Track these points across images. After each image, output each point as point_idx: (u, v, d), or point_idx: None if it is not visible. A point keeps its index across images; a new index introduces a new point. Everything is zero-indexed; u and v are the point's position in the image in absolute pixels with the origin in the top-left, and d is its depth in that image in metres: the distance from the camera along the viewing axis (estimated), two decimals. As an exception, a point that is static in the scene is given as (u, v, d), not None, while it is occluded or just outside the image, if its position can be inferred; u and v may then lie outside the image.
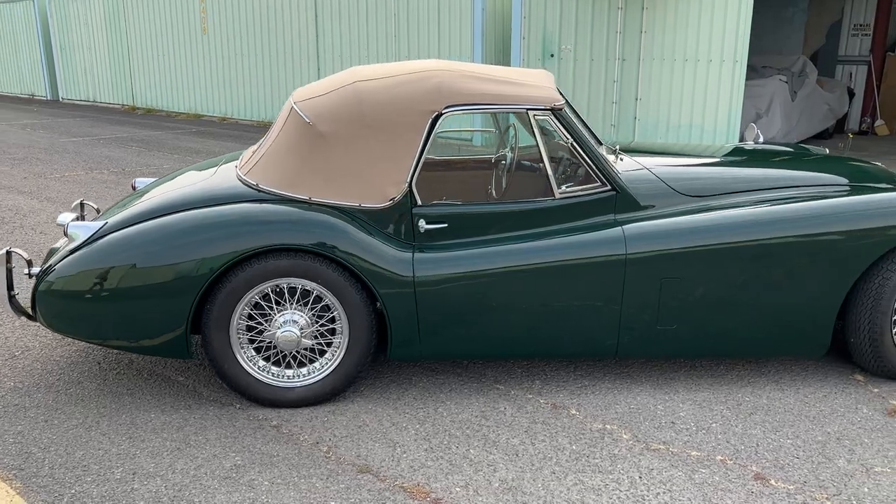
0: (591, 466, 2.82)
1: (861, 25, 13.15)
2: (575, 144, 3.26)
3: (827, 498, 2.63)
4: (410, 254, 3.14)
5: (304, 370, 3.24)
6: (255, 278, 3.06)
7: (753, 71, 10.68)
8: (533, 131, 3.23)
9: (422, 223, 3.20)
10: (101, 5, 17.08)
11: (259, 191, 3.22)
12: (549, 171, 3.27)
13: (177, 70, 15.95)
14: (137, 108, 16.77)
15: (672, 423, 3.14)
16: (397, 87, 3.22)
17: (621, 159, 3.64)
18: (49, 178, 8.48)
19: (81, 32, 18.17)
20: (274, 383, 3.21)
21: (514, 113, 3.36)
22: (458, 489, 2.69)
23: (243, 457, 2.89)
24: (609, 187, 3.32)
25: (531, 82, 3.33)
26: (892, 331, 3.38)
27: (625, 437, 3.03)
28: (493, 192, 3.54)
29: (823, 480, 2.73)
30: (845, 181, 3.69)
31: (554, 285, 3.19)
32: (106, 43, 17.52)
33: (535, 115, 3.23)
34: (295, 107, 3.27)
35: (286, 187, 3.19)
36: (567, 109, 3.30)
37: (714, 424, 3.12)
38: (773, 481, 2.72)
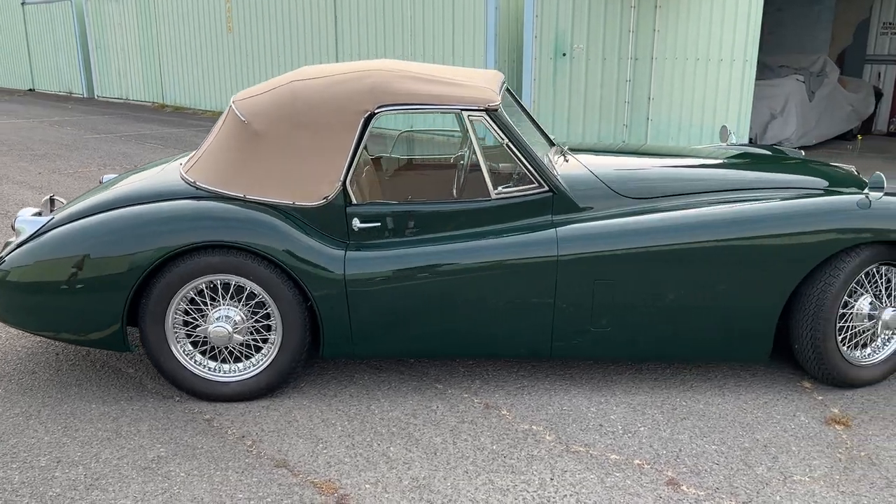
0: (506, 467, 2.82)
1: (890, 24, 12.80)
2: (510, 145, 3.26)
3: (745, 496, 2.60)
4: (343, 252, 3.18)
5: (239, 366, 3.30)
6: (187, 274, 3.13)
7: (769, 70, 10.48)
8: (467, 132, 3.23)
9: (356, 222, 3.23)
10: (133, 4, 17.48)
11: (197, 188, 3.29)
12: (485, 172, 3.27)
13: (203, 68, 16.25)
14: (166, 105, 17.12)
15: (600, 425, 3.12)
16: (332, 86, 3.26)
17: (567, 160, 3.62)
18: (62, 173, 8.73)
19: (115, 32, 18.62)
20: (210, 377, 3.28)
21: (448, 114, 3.36)
22: (367, 486, 2.72)
23: (168, 448, 2.96)
24: (546, 188, 3.31)
25: (470, 83, 3.34)
26: (836, 338, 3.31)
27: (548, 438, 3.02)
28: (433, 192, 3.55)
29: (737, 487, 2.69)
30: (803, 185, 3.62)
31: (486, 285, 3.19)
32: (138, 42, 17.92)
33: (468, 115, 3.23)
34: (233, 106, 3.33)
35: (222, 185, 3.25)
36: (504, 111, 3.29)
37: (642, 428, 3.10)
38: (684, 487, 2.70)
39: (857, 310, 3.34)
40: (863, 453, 2.90)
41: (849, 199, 3.27)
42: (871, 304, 3.34)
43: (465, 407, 3.27)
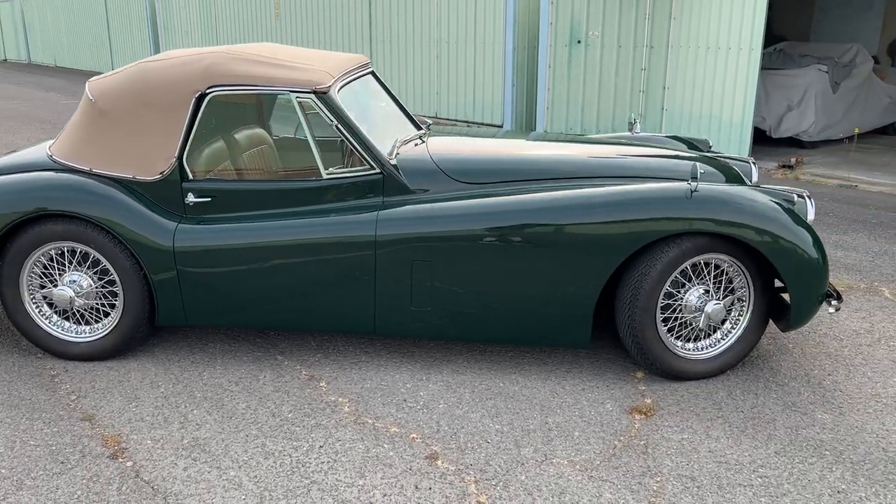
0: (287, 433, 2.96)
1: (946, 12, 12.04)
2: (339, 127, 3.36)
3: (476, 480, 2.66)
4: (175, 225, 3.37)
5: (88, 328, 3.55)
6: (36, 240, 3.40)
7: (791, 60, 10.06)
8: (297, 113, 3.37)
9: (190, 197, 3.42)
10: (195, -11, 18.28)
11: (54, 162, 3.55)
12: (315, 153, 3.40)
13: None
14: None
15: (404, 400, 3.22)
16: (174, 67, 3.45)
17: (416, 145, 3.69)
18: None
19: (181, 16, 19.49)
20: (61, 337, 3.54)
21: (278, 95, 3.49)
22: (149, 442, 2.91)
23: (2, 397, 3.23)
24: (376, 170, 3.40)
25: (305, 66, 3.46)
26: (657, 328, 3.28)
27: (346, 409, 3.14)
28: (276, 170, 3.67)
29: (490, 465, 2.75)
30: (658, 175, 3.58)
31: (308, 262, 3.32)
32: (199, 25, 18.70)
33: (297, 97, 3.36)
34: (86, 86, 3.57)
35: (73, 159, 3.50)
36: (335, 94, 3.39)
37: (442, 405, 3.17)
38: (440, 461, 2.77)
39: (686, 301, 3.30)
40: (642, 442, 2.90)
41: (667, 187, 3.23)
42: (699, 296, 3.29)
43: (290, 377, 3.42)
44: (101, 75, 3.64)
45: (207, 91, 3.35)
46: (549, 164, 3.59)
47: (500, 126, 11.60)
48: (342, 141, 3.39)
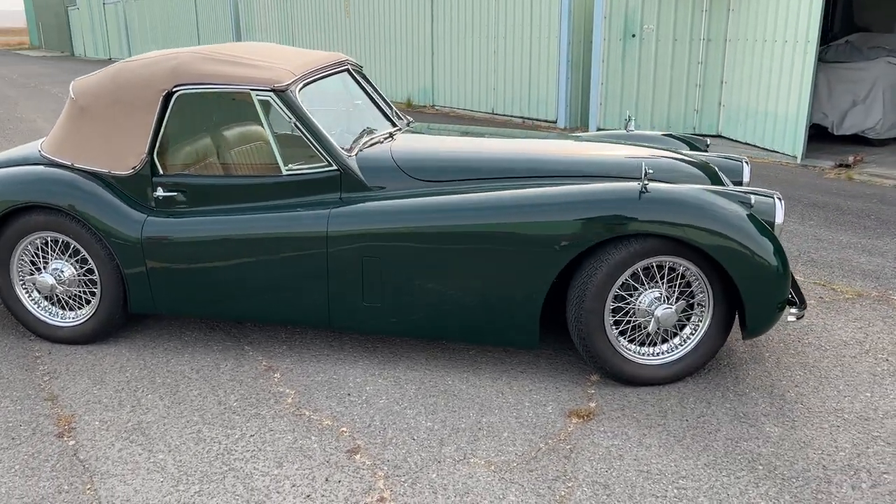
0: (225, 421, 3.07)
1: None
2: (297, 124, 3.44)
3: (386, 476, 2.69)
4: (144, 217, 3.54)
5: (71, 313, 3.77)
6: (22, 230, 3.64)
7: (858, 53, 9.50)
8: (256, 111, 3.46)
9: (159, 191, 3.58)
10: (275, -11, 18.86)
11: (43, 157, 3.78)
12: (275, 149, 3.49)
13: (325, 50, 17.19)
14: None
15: (348, 395, 3.27)
16: (145, 67, 3.61)
17: (382, 142, 3.72)
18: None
19: (261, 17, 20.14)
20: (48, 321, 3.77)
21: (240, 92, 3.57)
22: (96, 423, 3.08)
23: (-17, 376, 3.48)
24: (334, 167, 3.47)
25: (268, 65, 3.55)
26: (606, 331, 3.21)
27: (289, 401, 3.23)
28: (243, 166, 3.77)
29: (406, 462, 2.77)
30: (623, 174, 3.49)
31: (266, 256, 3.42)
32: (277, 24, 19.27)
33: (256, 95, 3.45)
34: (70, 85, 3.78)
35: (57, 154, 3.72)
36: (294, 92, 3.45)
37: (383, 401, 3.21)
38: (359, 455, 2.82)
39: (639, 305, 3.22)
40: (568, 447, 2.85)
41: (614, 187, 3.15)
42: (652, 300, 3.20)
43: (249, 368, 3.54)
44: (85, 75, 3.85)
45: (174, 90, 3.50)
46: (508, 163, 3.56)
47: (554, 122, 11.47)
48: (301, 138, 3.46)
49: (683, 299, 3.24)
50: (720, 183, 3.66)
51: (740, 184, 4.07)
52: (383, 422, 3.05)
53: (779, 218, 3.28)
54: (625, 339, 3.27)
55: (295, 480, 2.68)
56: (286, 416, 3.10)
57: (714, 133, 10.08)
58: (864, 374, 3.37)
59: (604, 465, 2.74)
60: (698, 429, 2.97)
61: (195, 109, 3.63)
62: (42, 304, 3.80)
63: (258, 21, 20.28)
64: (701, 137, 4.57)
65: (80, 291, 3.73)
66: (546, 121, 11.70)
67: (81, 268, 3.68)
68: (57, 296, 3.74)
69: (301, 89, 3.53)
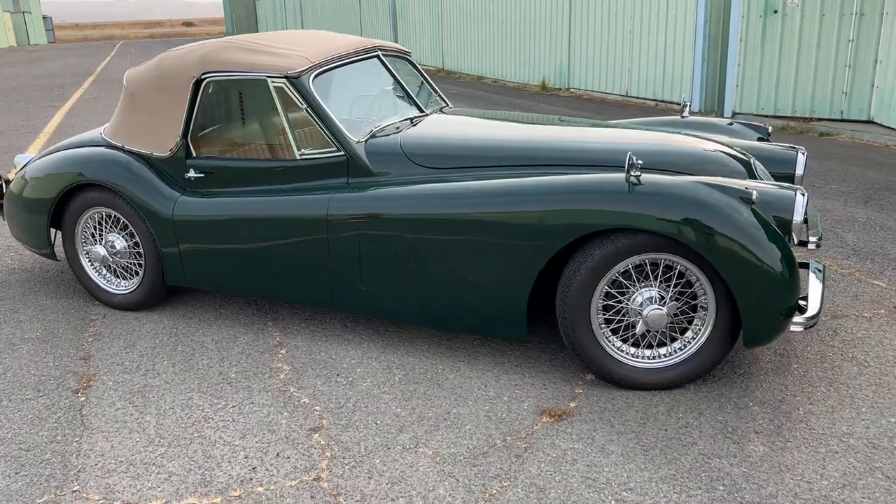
0: (217, 391, 3.26)
1: None
2: (309, 110, 3.55)
3: (332, 457, 2.74)
4: (177, 197, 3.81)
5: (124, 282, 4.14)
6: (82, 204, 4.04)
7: None
8: (272, 97, 3.61)
9: (191, 172, 3.83)
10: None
11: (102, 139, 4.16)
12: (289, 134, 3.62)
13: (469, 33, 17.32)
14: (450, 71, 18.54)
15: (337, 375, 3.36)
16: (181, 56, 3.86)
17: (412, 124, 3.75)
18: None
19: (414, 8, 20.60)
20: (106, 288, 4.17)
21: (257, 80, 3.70)
22: (110, 383, 3.37)
23: (39, 333, 3.91)
24: (342, 153, 3.54)
25: (287, 52, 3.67)
26: (593, 329, 3.07)
27: (281, 377, 3.36)
28: (259, 149, 3.93)
29: (358, 445, 2.81)
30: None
31: (277, 236, 3.56)
32: (428, 8, 19.63)
33: (271, 81, 3.59)
34: (125, 74, 4.11)
35: (112, 137, 4.08)
36: (308, 79, 3.55)
37: (366, 384, 3.27)
38: (317, 435, 2.89)
39: (632, 304, 3.04)
40: (524, 445, 2.77)
41: (602, 177, 2.98)
42: (642, 300, 3.01)
43: (262, 342, 3.72)
44: (137, 66, 4.18)
45: (202, 77, 3.72)
46: (513, 151, 3.45)
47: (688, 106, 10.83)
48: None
49: (685, 300, 3.01)
50: (753, 176, 3.35)
51: (792, 177, 3.70)
52: (356, 404, 3.10)
53: (797, 216, 2.95)
54: (618, 339, 3.10)
55: (249, 452, 2.80)
56: (272, 391, 3.23)
57: (865, 119, 9.13)
58: (898, 397, 2.98)
59: (551, 467, 2.63)
60: (674, 440, 2.76)
61: (221, 96, 3.83)
62: (102, 272, 4.19)
63: (411, 12, 20.71)
64: (763, 127, 4.17)
65: (129, 263, 4.08)
66: (679, 104, 11.10)
67: (130, 241, 4.02)
68: (111, 265, 4.11)
69: (317, 76, 3.62)
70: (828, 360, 3.30)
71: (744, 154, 3.47)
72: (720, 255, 2.79)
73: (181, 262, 3.84)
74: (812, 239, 3.42)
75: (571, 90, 13.59)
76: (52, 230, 4.21)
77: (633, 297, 3.02)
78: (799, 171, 3.70)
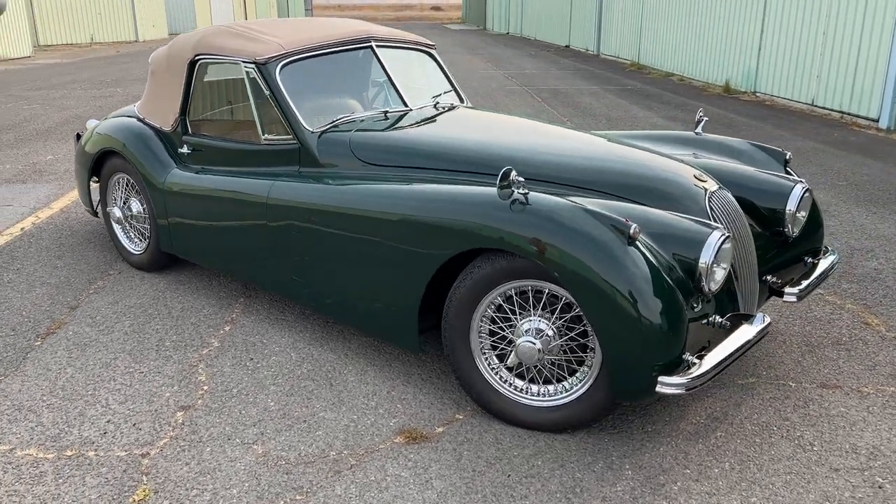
0: (140, 357, 3.43)
1: None
2: (271, 96, 3.59)
3: (170, 437, 2.80)
4: (171, 168, 4.06)
5: (142, 243, 4.49)
6: (111, 169, 4.45)
7: None
8: (245, 82, 3.70)
9: (184, 147, 4.05)
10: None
11: (135, 112, 4.52)
12: (256, 119, 3.70)
13: (664, 30, 16.40)
14: (642, 65, 17.76)
15: (251, 359, 3.40)
16: (186, 39, 4.07)
17: (388, 118, 3.67)
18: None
19: (617, 2, 19.90)
20: (127, 247, 4.55)
21: (232, 63, 3.77)
22: (69, 334, 3.69)
23: (56, 279, 4.37)
24: (294, 141, 3.56)
25: (266, 38, 3.72)
26: (473, 356, 2.84)
27: (203, 352, 3.47)
28: (235, 131, 4.01)
29: (203, 431, 2.84)
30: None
31: (234, 215, 3.67)
32: (631, 4, 18.85)
33: (245, 66, 3.68)
34: (151, 54, 4.42)
35: (140, 111, 4.42)
36: (275, 66, 3.56)
37: (266, 373, 3.27)
38: (181, 414, 2.96)
39: (515, 334, 2.76)
40: (350, 464, 2.64)
41: (480, 190, 2.72)
42: (529, 330, 2.72)
43: (219, 317, 3.84)
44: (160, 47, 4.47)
45: (196, 59, 3.90)
46: (455, 156, 3.23)
47: (875, 121, 9.42)
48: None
49: (576, 337, 2.68)
50: (708, 206, 2.89)
51: (782, 214, 3.14)
52: (241, 391, 3.13)
53: (704, 258, 2.50)
54: (504, 367, 2.83)
55: (114, 418, 2.93)
56: (182, 364, 3.35)
57: None
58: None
59: (357, 491, 2.48)
60: (508, 488, 2.48)
61: (210, 77, 3.99)
62: (127, 232, 4.57)
63: (615, 6, 20.03)
64: (780, 151, 3.54)
65: (143, 227, 4.41)
66: (866, 118, 9.74)
67: (143, 206, 4.34)
68: (125, 228, 4.47)
69: (288, 64, 3.64)
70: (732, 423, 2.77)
71: (719, 184, 2.98)
72: (576, 288, 2.45)
73: (169, 230, 4.08)
74: (791, 290, 2.90)
75: (757, 94, 12.40)
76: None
77: (520, 325, 2.73)
78: (791, 206, 3.11)
